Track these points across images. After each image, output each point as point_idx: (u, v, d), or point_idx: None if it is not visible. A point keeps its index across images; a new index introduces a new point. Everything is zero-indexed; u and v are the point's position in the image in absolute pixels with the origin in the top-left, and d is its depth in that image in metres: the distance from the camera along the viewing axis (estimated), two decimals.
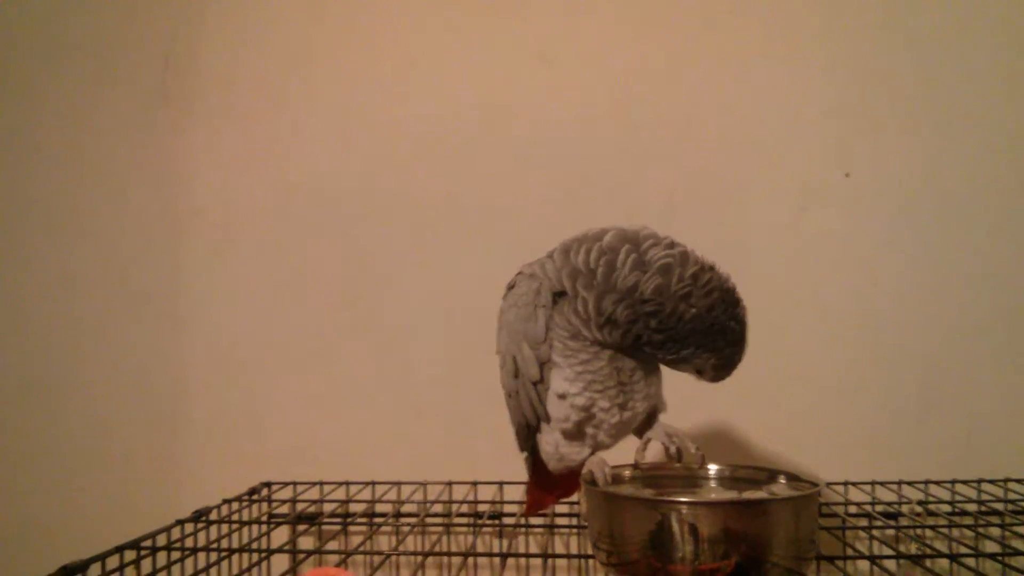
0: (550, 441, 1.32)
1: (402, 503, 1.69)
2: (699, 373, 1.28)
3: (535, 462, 1.40)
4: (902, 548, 1.58)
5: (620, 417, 1.28)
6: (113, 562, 1.25)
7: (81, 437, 1.95)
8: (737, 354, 1.24)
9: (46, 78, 2.00)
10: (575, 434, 1.29)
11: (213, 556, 1.36)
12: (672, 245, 1.21)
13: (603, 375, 1.25)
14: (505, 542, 1.74)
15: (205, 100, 1.97)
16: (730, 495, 1.25)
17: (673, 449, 1.32)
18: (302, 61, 1.96)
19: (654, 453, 1.37)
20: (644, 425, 1.35)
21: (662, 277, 1.18)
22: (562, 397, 1.26)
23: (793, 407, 1.81)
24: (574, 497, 1.64)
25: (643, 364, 1.28)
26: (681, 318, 1.18)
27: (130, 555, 1.29)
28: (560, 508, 1.66)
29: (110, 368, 1.96)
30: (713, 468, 1.33)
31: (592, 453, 1.30)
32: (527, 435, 1.37)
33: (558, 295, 1.25)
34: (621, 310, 1.19)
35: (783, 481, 1.25)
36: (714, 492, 1.29)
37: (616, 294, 1.19)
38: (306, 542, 1.77)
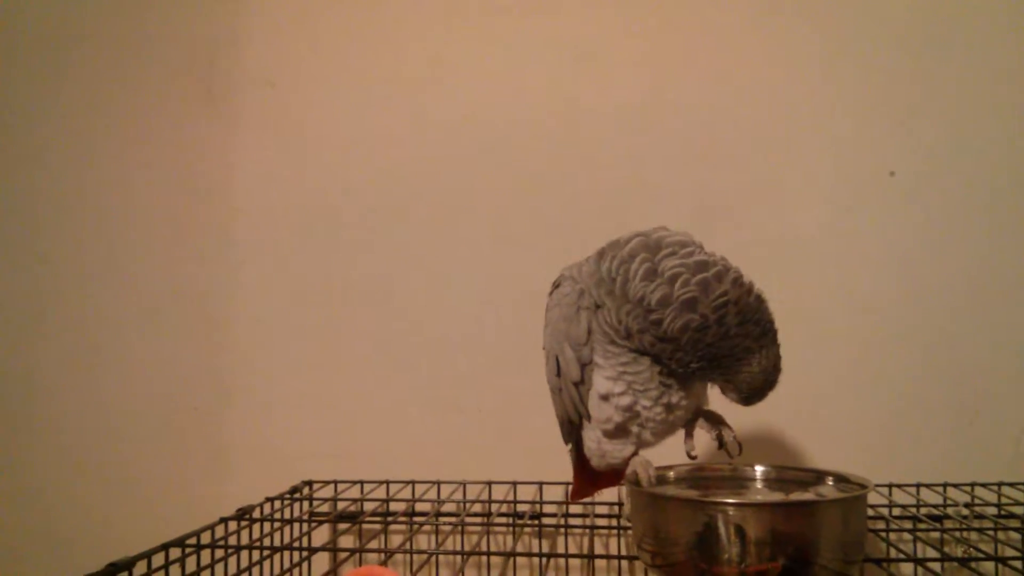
0: (592, 438, 1.31)
1: (442, 502, 1.70)
2: (724, 393, 1.26)
3: (579, 454, 1.39)
4: (947, 551, 1.56)
5: (665, 416, 1.26)
6: (159, 559, 1.27)
7: (128, 437, 1.97)
8: (756, 379, 1.19)
9: (91, 80, 2.02)
10: (618, 432, 1.29)
11: (256, 555, 1.37)
12: (692, 254, 1.18)
13: (644, 377, 1.23)
14: (545, 542, 1.74)
15: (247, 97, 1.99)
16: (777, 496, 1.24)
17: (714, 435, 1.31)
18: (341, 60, 1.97)
19: (703, 442, 1.36)
20: (691, 422, 1.34)
21: (669, 286, 1.15)
22: (605, 398, 1.26)
23: (838, 409, 1.80)
24: (615, 497, 1.63)
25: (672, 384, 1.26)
26: (687, 328, 1.14)
27: (175, 553, 1.29)
28: (600, 509, 1.66)
29: (155, 368, 1.98)
30: (759, 469, 1.32)
31: (636, 451, 1.30)
32: (570, 430, 1.37)
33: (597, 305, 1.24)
34: (631, 320, 1.18)
35: (831, 482, 1.24)
36: (760, 494, 1.28)
37: (629, 304, 1.19)
38: (346, 541, 1.78)
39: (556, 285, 1.33)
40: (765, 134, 1.85)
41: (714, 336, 1.14)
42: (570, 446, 1.42)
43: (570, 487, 1.50)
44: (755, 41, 1.86)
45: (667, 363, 1.20)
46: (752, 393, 1.22)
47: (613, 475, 1.42)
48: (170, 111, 2.00)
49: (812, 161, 1.84)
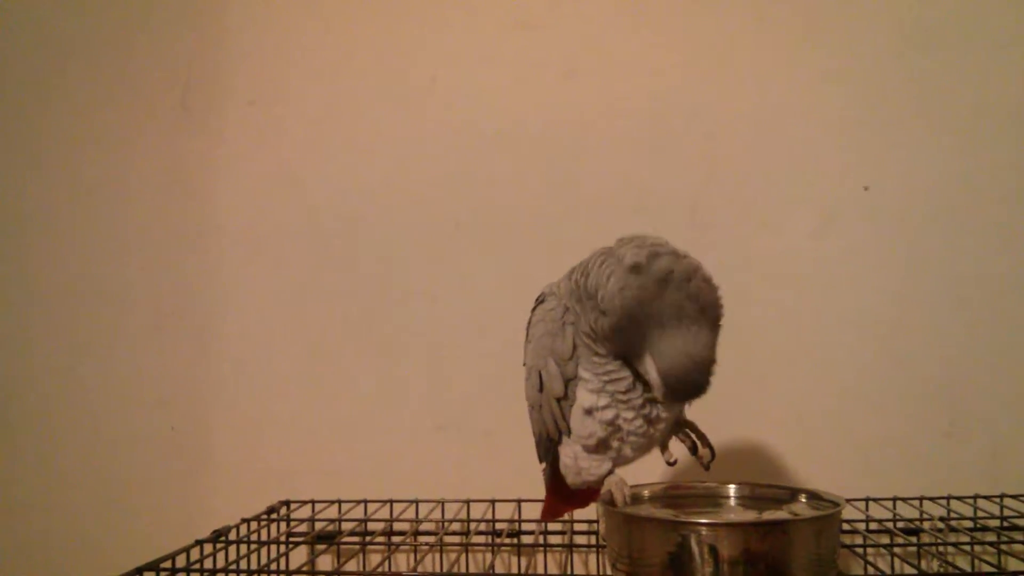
0: (570, 454, 1.31)
1: (420, 521, 1.69)
2: (648, 384, 1.19)
3: (554, 472, 1.39)
4: (923, 565, 1.57)
5: (647, 429, 1.26)
6: None
7: (99, 457, 1.96)
8: (678, 360, 1.11)
9: (65, 93, 2.02)
10: (598, 447, 1.28)
11: None
12: (653, 246, 1.16)
13: (627, 385, 1.23)
14: (524, 560, 1.73)
15: (226, 113, 1.99)
16: (751, 515, 1.24)
17: (688, 444, 1.32)
18: (322, 75, 1.97)
19: (681, 451, 1.36)
20: (668, 434, 1.35)
21: (617, 264, 1.15)
22: (588, 412, 1.25)
23: (814, 421, 1.80)
24: (592, 515, 1.63)
25: None
26: (625, 292, 1.12)
27: None
28: (579, 527, 1.66)
29: (128, 386, 1.97)
30: (733, 487, 1.33)
31: (612, 470, 1.30)
32: (548, 447, 1.37)
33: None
34: (589, 313, 1.19)
35: (804, 500, 1.24)
36: (734, 512, 1.28)
37: (591, 301, 1.19)
38: (324, 561, 1.77)
39: (539, 301, 1.33)
40: (749, 146, 1.87)
41: (650, 306, 1.12)
42: (544, 465, 1.41)
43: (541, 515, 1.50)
44: (739, 56, 1.88)
45: (606, 343, 1.19)
46: (674, 379, 1.11)
47: (585, 495, 1.42)
48: (150, 127, 2.00)
49: (794, 174, 1.85)
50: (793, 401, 1.80)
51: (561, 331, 1.25)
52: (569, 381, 1.26)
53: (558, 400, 1.28)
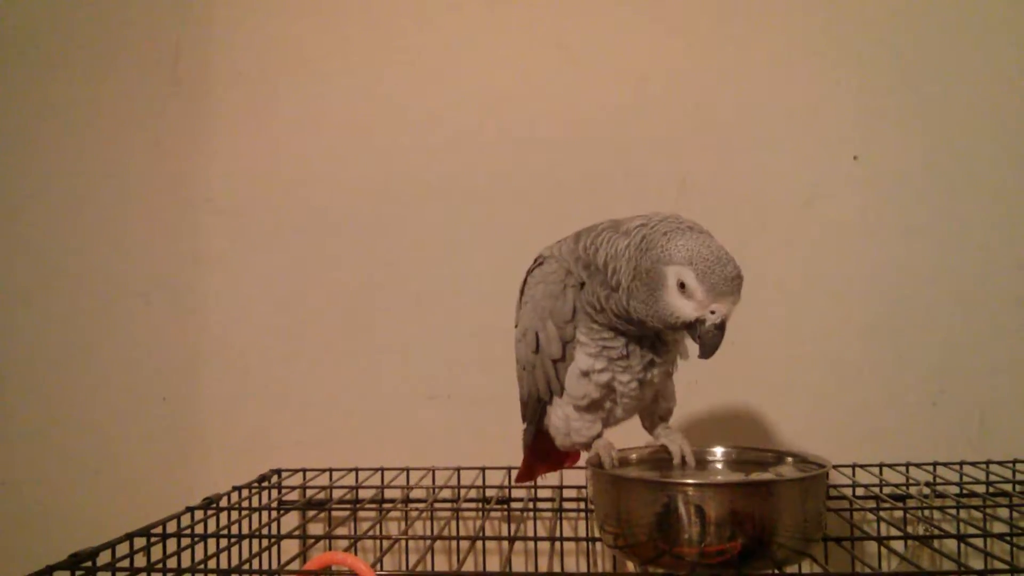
0: (560, 415, 1.32)
1: (411, 488, 1.70)
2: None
3: (536, 432, 1.41)
4: (910, 530, 1.58)
5: (640, 392, 1.28)
6: (123, 549, 1.25)
7: (91, 426, 1.96)
8: (703, 251, 1.13)
9: (52, 65, 2.00)
10: (591, 408, 1.30)
11: (223, 542, 1.37)
12: (664, 220, 1.19)
13: (619, 352, 1.25)
14: (513, 526, 1.75)
15: (217, 88, 1.97)
16: (737, 477, 1.25)
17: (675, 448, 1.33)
18: (314, 50, 1.96)
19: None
20: (651, 407, 1.36)
21: (626, 237, 1.20)
22: (586, 374, 1.27)
23: (802, 390, 1.82)
24: (581, 481, 1.64)
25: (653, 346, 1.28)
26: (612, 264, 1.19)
27: (140, 542, 1.29)
28: (568, 492, 1.67)
29: (120, 357, 1.96)
30: (720, 450, 1.34)
31: (601, 431, 1.31)
32: (535, 408, 1.38)
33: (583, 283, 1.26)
34: (600, 288, 1.22)
35: (790, 462, 1.25)
36: (721, 474, 1.29)
37: (601, 275, 1.21)
38: (316, 528, 1.78)
39: (538, 263, 1.34)
40: (737, 121, 1.87)
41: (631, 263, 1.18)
42: (525, 425, 1.43)
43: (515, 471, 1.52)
44: (728, 31, 1.88)
45: (620, 325, 1.22)
46: (709, 271, 1.12)
47: (560, 456, 1.45)
48: (139, 102, 1.98)
49: (783, 144, 1.85)
50: (782, 371, 1.81)
51: (562, 294, 1.26)
52: (567, 343, 1.27)
53: (554, 361, 1.29)
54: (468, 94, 1.92)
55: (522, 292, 1.36)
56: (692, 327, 1.15)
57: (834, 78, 1.85)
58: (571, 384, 1.29)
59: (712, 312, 1.13)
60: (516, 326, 1.38)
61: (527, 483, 1.59)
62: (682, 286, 1.12)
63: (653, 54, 1.89)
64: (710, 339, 1.14)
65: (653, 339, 1.26)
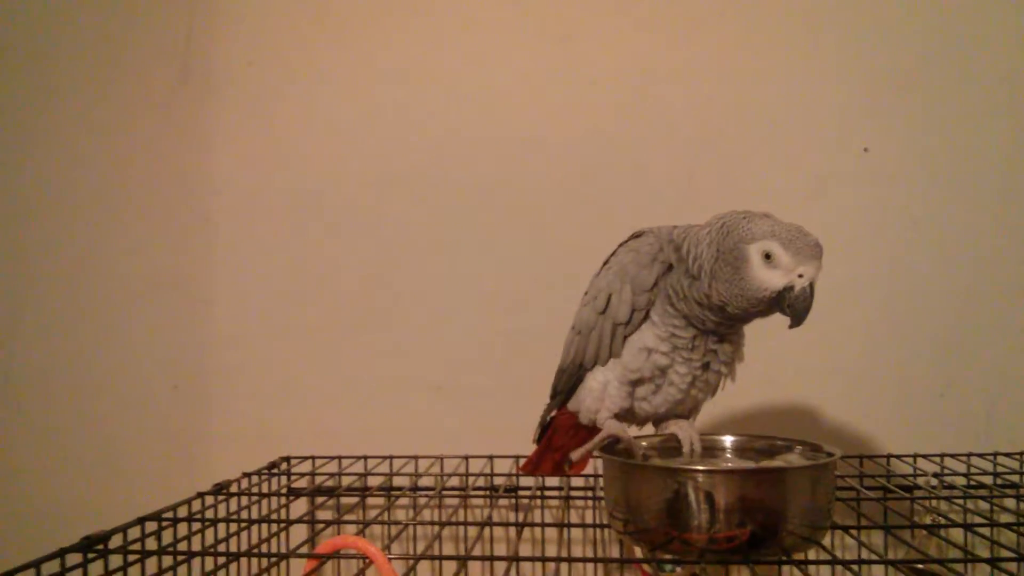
0: (600, 380, 1.34)
1: (419, 476, 1.71)
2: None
3: (559, 411, 1.43)
4: (916, 520, 1.58)
5: (687, 389, 1.31)
6: (135, 533, 1.26)
7: (104, 414, 1.97)
8: (782, 227, 1.19)
9: (63, 59, 2.01)
10: (636, 383, 1.32)
11: (233, 527, 1.37)
12: (740, 211, 1.24)
13: (689, 344, 1.28)
14: (521, 515, 1.75)
15: (226, 81, 1.98)
16: (747, 464, 1.25)
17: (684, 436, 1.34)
18: (322, 44, 1.96)
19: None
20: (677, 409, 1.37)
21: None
22: (648, 351, 1.29)
23: (811, 382, 1.82)
24: (588, 472, 1.64)
25: (718, 346, 1.31)
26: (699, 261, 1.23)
27: (151, 526, 1.30)
28: (576, 481, 1.67)
29: (133, 345, 1.97)
30: (730, 439, 1.34)
31: (632, 406, 1.34)
32: (572, 374, 1.39)
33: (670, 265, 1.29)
34: (682, 276, 1.26)
35: (800, 451, 1.25)
36: (731, 462, 1.29)
37: (683, 264, 1.26)
38: (324, 514, 1.79)
39: (636, 235, 1.36)
40: (746, 113, 1.87)
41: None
42: (547, 405, 1.44)
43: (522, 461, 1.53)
44: (735, 24, 1.87)
45: (697, 315, 1.25)
46: (793, 238, 1.18)
47: (568, 448, 1.45)
48: (147, 92, 1.98)
49: (791, 137, 1.85)
50: (790, 363, 1.80)
51: (650, 264, 1.29)
52: (635, 312, 1.29)
53: (616, 325, 1.31)
54: (473, 92, 1.93)
55: (606, 262, 1.38)
56: (780, 298, 1.19)
57: (843, 71, 1.84)
58: (630, 355, 1.30)
59: (800, 276, 1.17)
60: (586, 293, 1.39)
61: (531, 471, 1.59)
62: (767, 257, 1.18)
63: (659, 48, 1.89)
64: (801, 303, 1.19)
65: (718, 342, 1.29)
